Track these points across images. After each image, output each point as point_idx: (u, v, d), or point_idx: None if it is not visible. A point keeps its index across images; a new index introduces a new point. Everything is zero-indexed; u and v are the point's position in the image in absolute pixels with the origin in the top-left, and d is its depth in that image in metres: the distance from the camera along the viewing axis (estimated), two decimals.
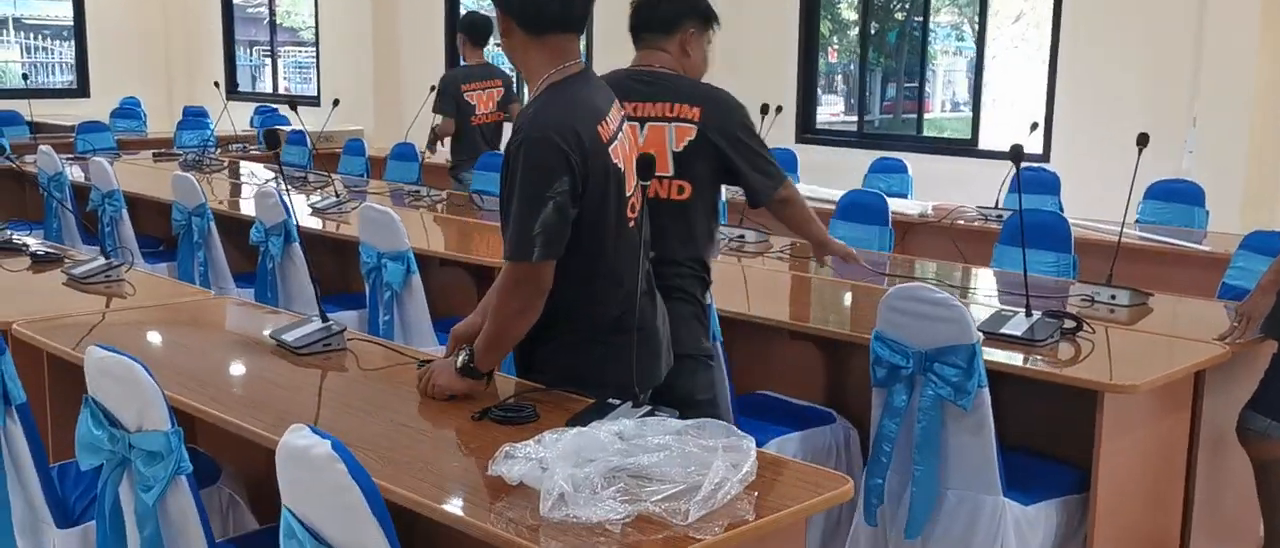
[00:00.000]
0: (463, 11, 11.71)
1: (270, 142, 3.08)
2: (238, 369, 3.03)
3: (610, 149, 2.44)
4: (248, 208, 6.05)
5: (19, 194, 7.78)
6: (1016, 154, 3.23)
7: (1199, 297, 4.15)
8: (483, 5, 11.30)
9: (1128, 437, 3.06)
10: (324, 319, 3.10)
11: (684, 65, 3.04)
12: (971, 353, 2.88)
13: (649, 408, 2.35)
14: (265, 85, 14.49)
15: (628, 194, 2.51)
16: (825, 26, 9.13)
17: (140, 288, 3.83)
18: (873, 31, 9.11)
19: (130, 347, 3.06)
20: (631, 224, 2.53)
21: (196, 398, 2.61)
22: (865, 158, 7.21)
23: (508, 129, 5.63)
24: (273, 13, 13.93)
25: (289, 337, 3.05)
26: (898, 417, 3.03)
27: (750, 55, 8.88)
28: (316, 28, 12.64)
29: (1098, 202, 6.44)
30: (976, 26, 8.50)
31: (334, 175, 7.23)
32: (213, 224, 5.33)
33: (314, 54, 12.92)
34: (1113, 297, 3.84)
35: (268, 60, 14.76)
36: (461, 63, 6.79)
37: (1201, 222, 5.76)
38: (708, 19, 3.06)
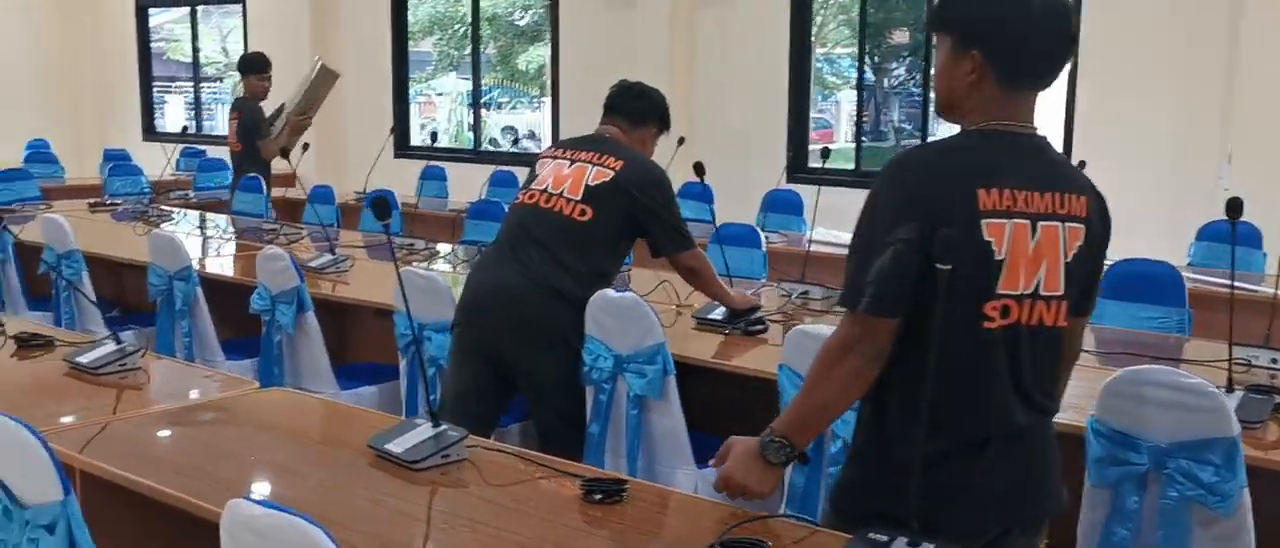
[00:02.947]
0: (411, 42, 11.16)
1: (380, 211, 2.51)
2: (359, 498, 2.37)
3: (986, 221, 1.92)
4: (216, 267, 5.54)
5: None
6: (1234, 206, 2.82)
7: None
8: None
9: None
10: (434, 423, 2.54)
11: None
12: (1231, 448, 2.45)
13: None
14: (167, 125, 13.55)
15: (999, 289, 1.94)
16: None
17: (157, 377, 3.20)
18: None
19: (211, 470, 2.44)
20: (989, 325, 1.95)
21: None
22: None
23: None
24: (196, 49, 13.13)
25: (397, 448, 2.48)
26: (1130, 522, 2.57)
27: (737, 92, 8.48)
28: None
29: (1130, 241, 6.13)
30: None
31: (302, 227, 6.59)
32: (200, 290, 4.67)
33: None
34: (1274, 361, 3.45)
35: (166, 98, 13.86)
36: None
37: (1259, 265, 5.47)
38: (665, 126, 3.79)
